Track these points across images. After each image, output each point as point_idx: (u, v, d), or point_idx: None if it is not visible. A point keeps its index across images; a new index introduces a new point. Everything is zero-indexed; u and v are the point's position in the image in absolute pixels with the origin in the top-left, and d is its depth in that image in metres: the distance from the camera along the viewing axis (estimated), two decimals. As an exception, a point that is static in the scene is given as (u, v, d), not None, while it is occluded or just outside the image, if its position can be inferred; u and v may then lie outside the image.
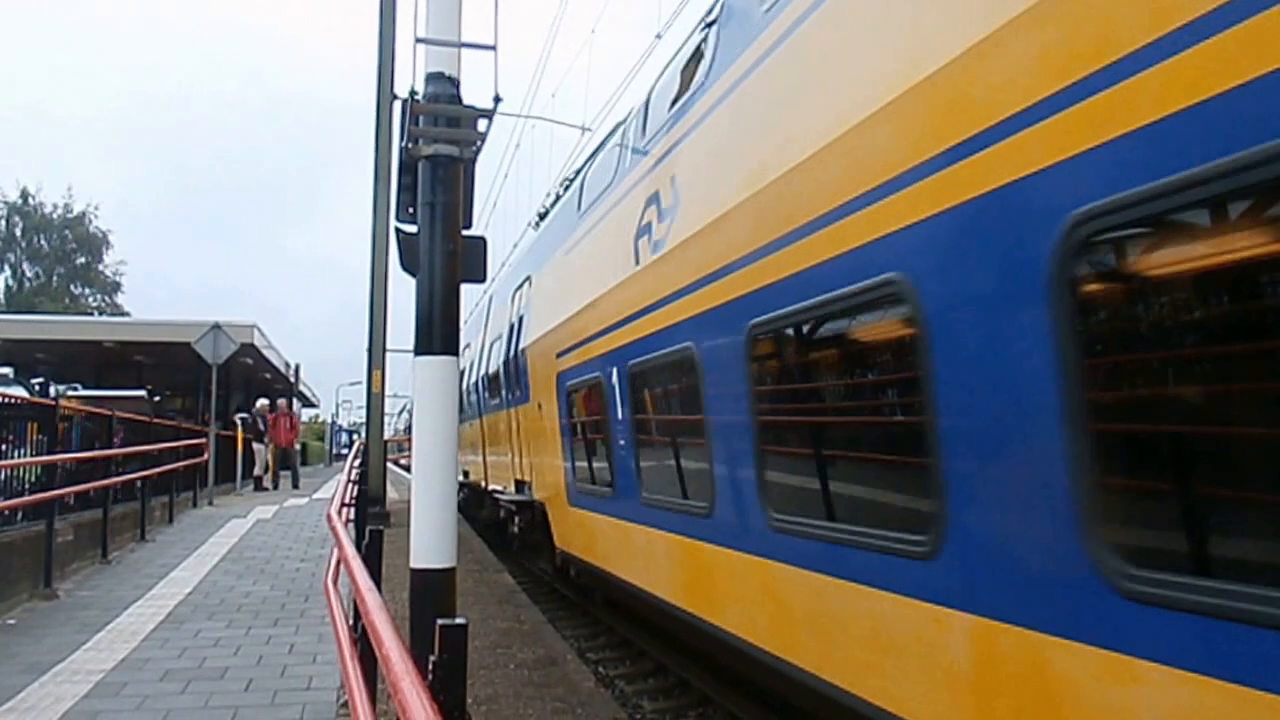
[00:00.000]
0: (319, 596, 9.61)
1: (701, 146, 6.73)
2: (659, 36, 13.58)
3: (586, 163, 11.64)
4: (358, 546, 6.32)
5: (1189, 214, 2.82)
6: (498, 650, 8.54)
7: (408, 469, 19.87)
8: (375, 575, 5.72)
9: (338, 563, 6.79)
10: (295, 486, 24.75)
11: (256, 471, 24.67)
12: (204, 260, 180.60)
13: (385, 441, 17.97)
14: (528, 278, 13.17)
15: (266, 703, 6.42)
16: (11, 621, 8.89)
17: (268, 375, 31.57)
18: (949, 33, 3.85)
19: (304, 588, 10.46)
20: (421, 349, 6.38)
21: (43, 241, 56.56)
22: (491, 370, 15.59)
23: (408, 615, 6.27)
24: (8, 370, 21.95)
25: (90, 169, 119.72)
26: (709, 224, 6.14)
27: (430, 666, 3.01)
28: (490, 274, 9.35)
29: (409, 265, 6.64)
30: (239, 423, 24.28)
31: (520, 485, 13.77)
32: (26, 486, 10.98)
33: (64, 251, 57.14)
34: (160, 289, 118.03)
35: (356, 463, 16.71)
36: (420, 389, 6.39)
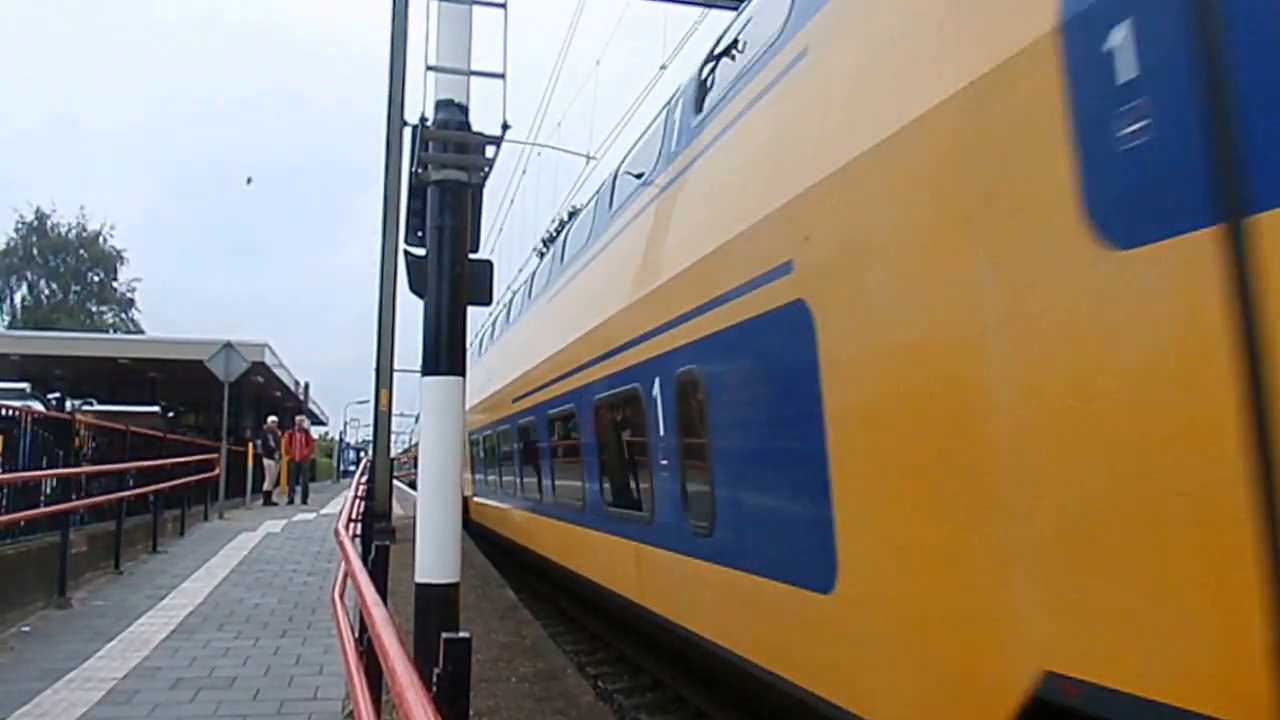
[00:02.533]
0: (325, 609, 9.59)
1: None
2: (664, 68, 13.68)
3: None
4: (364, 561, 6.32)
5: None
6: (499, 664, 8.51)
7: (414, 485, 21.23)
8: (381, 589, 5.72)
9: (344, 576, 6.79)
10: (304, 502, 24.72)
11: (266, 486, 24.66)
12: (226, 275, 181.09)
13: (392, 460, 17.95)
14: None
15: (273, 712, 6.40)
16: (27, 629, 8.88)
17: (278, 393, 31.61)
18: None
19: (311, 600, 10.43)
20: (428, 369, 6.40)
21: (59, 260, 56.66)
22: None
23: (412, 629, 6.26)
24: (24, 385, 22.01)
25: (115, 179, 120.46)
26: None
27: (434, 679, 3.01)
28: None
29: (417, 287, 6.67)
30: (254, 444, 24.41)
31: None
32: (42, 498, 10.98)
33: (79, 270, 57.22)
34: (181, 303, 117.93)
35: (363, 479, 16.70)
36: (427, 408, 6.40)
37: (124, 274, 59.58)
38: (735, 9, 7.79)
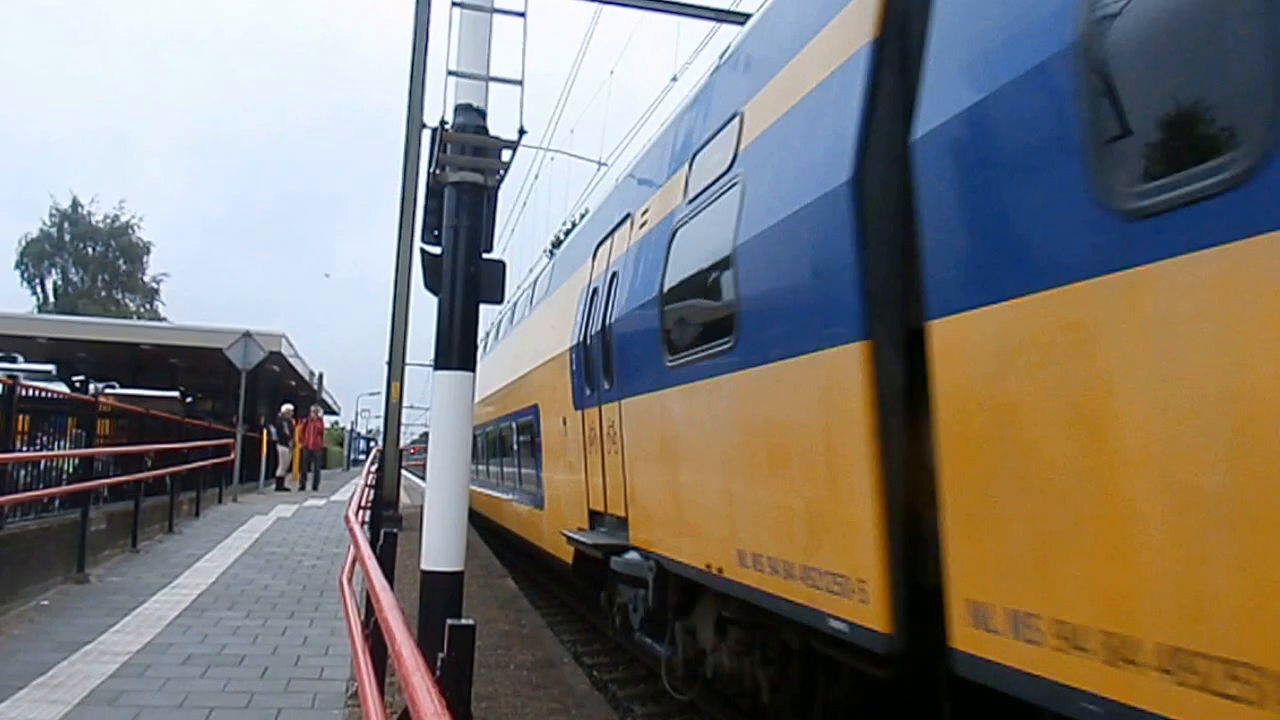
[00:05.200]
0: (333, 592, 9.60)
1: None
2: (675, 79, 13.69)
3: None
4: (372, 547, 6.32)
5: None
6: (499, 651, 8.52)
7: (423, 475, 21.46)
8: (388, 575, 5.72)
9: (353, 561, 6.80)
10: (315, 488, 24.73)
11: (279, 472, 24.67)
12: (258, 264, 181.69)
13: (400, 450, 17.99)
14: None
15: (280, 690, 6.41)
16: (45, 602, 8.89)
17: (293, 382, 31.62)
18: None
19: (319, 583, 10.44)
20: (441, 364, 6.40)
21: (89, 248, 56.75)
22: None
23: (415, 614, 6.26)
24: (50, 367, 22.03)
25: (156, 176, 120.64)
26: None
27: (439, 663, 3.01)
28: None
29: (432, 285, 6.66)
30: (269, 431, 24.42)
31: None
32: (65, 477, 10.99)
33: (108, 259, 57.30)
34: (209, 289, 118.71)
35: (373, 468, 16.72)
36: (438, 401, 6.40)
37: (151, 266, 59.78)
38: (742, 24, 7.85)
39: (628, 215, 8.12)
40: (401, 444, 18.79)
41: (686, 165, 6.47)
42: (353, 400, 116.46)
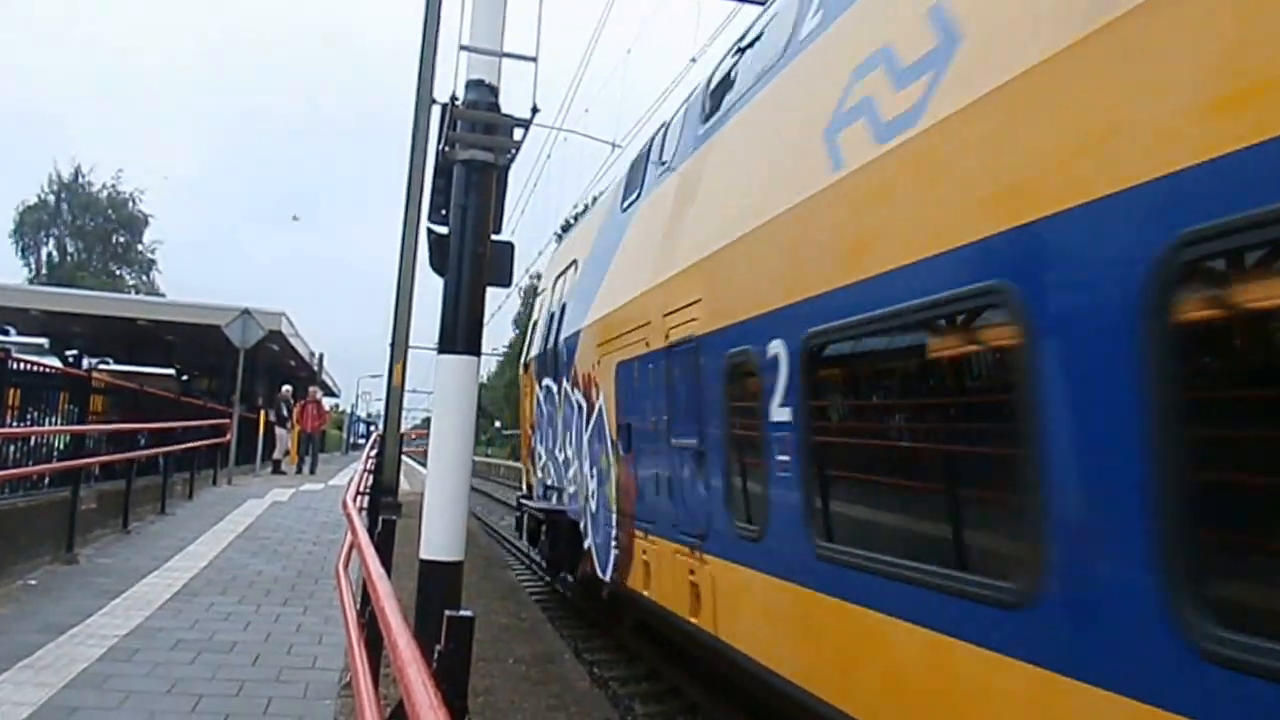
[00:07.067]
0: (328, 579, 9.62)
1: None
2: (694, 60, 13.62)
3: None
4: (370, 534, 6.33)
5: None
6: (497, 644, 8.54)
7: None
8: (386, 563, 5.73)
9: (350, 548, 6.81)
10: (312, 472, 24.80)
11: (276, 455, 24.75)
12: (264, 237, 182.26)
13: (401, 435, 18.00)
14: None
15: (272, 678, 6.42)
16: (33, 582, 8.93)
17: (292, 363, 31.73)
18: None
19: (315, 570, 10.47)
20: (445, 347, 6.40)
21: (86, 219, 56.91)
22: None
23: (413, 604, 6.27)
24: (43, 340, 22.11)
25: (162, 131, 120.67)
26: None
27: (436, 655, 3.01)
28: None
29: (438, 265, 6.66)
30: (267, 412, 24.49)
31: None
32: (55, 454, 11.04)
33: (106, 230, 57.47)
34: (213, 262, 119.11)
35: (373, 453, 16.74)
36: (441, 386, 6.40)
37: (149, 235, 59.94)
38: (763, 4, 7.74)
39: None
40: (403, 429, 18.80)
41: None
42: (354, 383, 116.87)
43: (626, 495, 8.77)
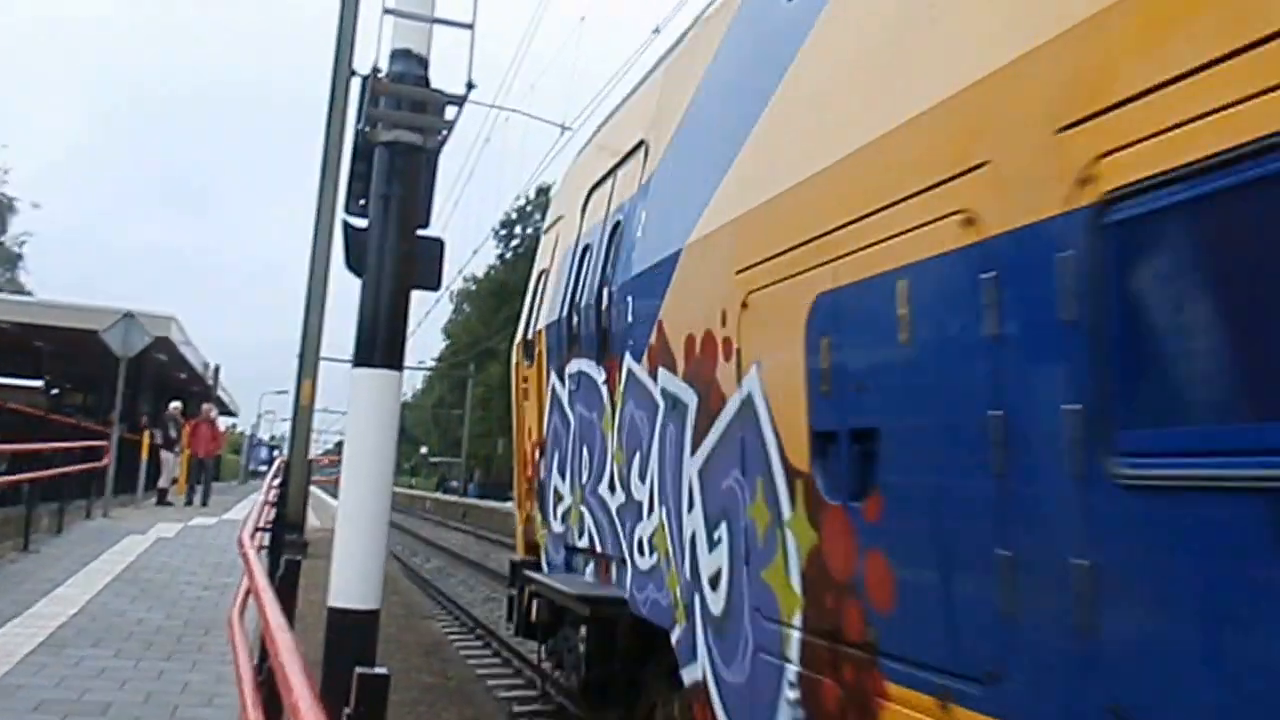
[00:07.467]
0: (220, 630, 9.48)
1: None
2: (657, 31, 13.71)
3: None
4: (270, 577, 6.25)
5: None
6: (418, 708, 8.49)
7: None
8: (288, 611, 5.65)
9: (246, 593, 6.71)
10: (204, 504, 24.49)
11: (162, 484, 24.41)
12: (154, 226, 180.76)
13: (310, 461, 17.85)
14: None
15: (151, 747, 6.32)
16: None
17: (183, 375, 31.36)
18: None
19: (205, 619, 10.32)
20: (361, 359, 6.34)
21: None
22: None
23: (320, 659, 6.20)
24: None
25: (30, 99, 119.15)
26: None
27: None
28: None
29: (355, 264, 6.61)
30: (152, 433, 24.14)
31: None
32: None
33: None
34: (93, 256, 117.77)
35: (275, 482, 16.57)
36: (356, 405, 6.34)
37: (15, 226, 59.06)
38: None
39: None
40: (311, 454, 18.64)
41: None
42: (255, 400, 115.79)
43: (838, 596, 4.48)
